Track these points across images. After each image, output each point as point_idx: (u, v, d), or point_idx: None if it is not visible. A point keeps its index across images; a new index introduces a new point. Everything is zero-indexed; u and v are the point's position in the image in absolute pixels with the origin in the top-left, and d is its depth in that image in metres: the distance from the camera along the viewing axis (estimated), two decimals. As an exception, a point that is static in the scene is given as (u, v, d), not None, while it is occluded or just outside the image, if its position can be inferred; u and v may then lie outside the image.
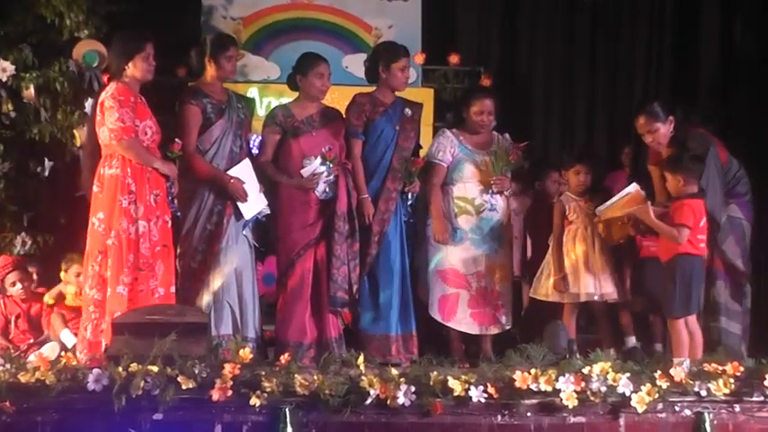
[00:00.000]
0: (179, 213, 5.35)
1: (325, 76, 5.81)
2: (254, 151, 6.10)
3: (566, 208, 5.95)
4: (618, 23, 8.20)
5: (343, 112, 5.96)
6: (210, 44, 5.72)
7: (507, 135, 6.05)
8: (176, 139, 5.34)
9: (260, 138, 6.14)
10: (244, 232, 5.67)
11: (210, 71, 5.66)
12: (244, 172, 5.60)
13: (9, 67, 6.05)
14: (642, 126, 5.62)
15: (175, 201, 5.26)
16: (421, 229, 5.99)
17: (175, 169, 5.26)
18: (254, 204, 5.65)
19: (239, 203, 5.56)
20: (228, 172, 5.55)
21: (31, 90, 6.09)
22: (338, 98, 6.02)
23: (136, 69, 5.14)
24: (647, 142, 5.64)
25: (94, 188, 5.11)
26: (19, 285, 5.90)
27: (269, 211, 5.75)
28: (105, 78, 5.24)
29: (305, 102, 5.86)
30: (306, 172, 5.68)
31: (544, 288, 5.96)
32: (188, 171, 5.50)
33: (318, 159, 5.68)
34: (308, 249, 5.72)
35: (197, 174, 5.53)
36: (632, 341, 5.80)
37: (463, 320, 5.84)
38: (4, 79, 6.07)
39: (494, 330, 5.87)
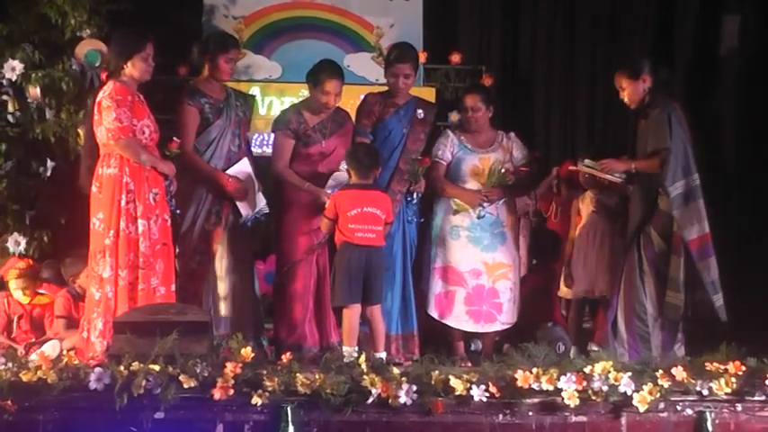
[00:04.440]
0: (178, 212, 5.35)
1: (332, 95, 5.66)
2: (256, 150, 6.09)
3: (580, 206, 5.98)
4: (618, 22, 8.20)
5: (345, 110, 5.95)
6: (212, 43, 5.71)
7: (513, 134, 6.05)
8: (174, 138, 5.34)
9: (267, 138, 6.11)
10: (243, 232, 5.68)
11: (208, 70, 5.65)
12: (242, 171, 5.59)
13: (18, 66, 6.07)
14: (617, 82, 5.59)
15: (173, 200, 5.25)
16: (425, 229, 5.99)
17: (174, 168, 5.26)
18: (253, 203, 5.65)
19: (238, 203, 5.56)
20: (228, 171, 5.55)
21: (37, 90, 6.10)
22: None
23: (134, 69, 5.12)
24: (622, 98, 5.60)
25: (93, 188, 5.10)
26: (20, 292, 5.90)
27: (267, 210, 5.75)
28: (104, 76, 5.22)
29: (315, 106, 5.83)
30: (331, 187, 5.64)
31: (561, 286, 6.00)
32: (186, 170, 5.51)
33: (336, 178, 5.64)
34: (311, 254, 5.72)
35: (195, 173, 5.53)
36: None
37: (459, 318, 5.84)
38: (14, 78, 6.09)
39: (491, 328, 5.88)
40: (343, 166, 5.65)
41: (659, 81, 5.49)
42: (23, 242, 6.16)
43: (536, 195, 6.92)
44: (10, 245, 6.15)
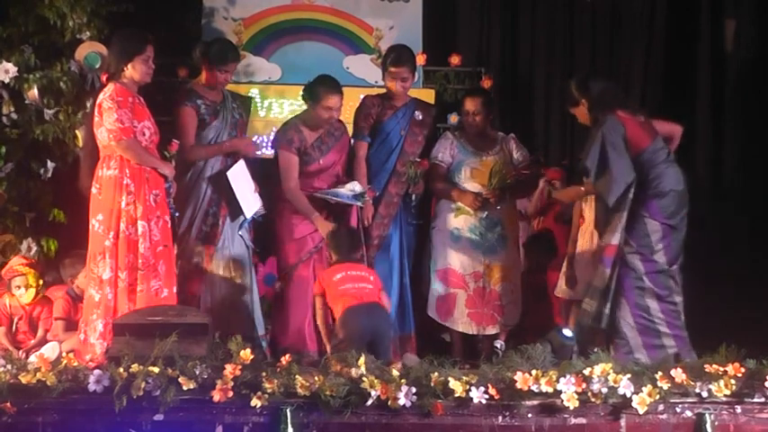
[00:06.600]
0: (177, 214, 5.35)
1: (333, 110, 5.68)
2: (257, 151, 6.05)
3: (583, 207, 5.98)
4: (617, 23, 8.20)
5: (340, 120, 5.92)
6: (212, 54, 5.66)
7: (513, 136, 6.06)
8: (174, 140, 5.34)
9: (266, 140, 6.04)
10: (240, 233, 5.68)
11: (205, 76, 5.66)
12: (240, 172, 5.60)
13: (12, 69, 6.07)
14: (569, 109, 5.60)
15: (172, 201, 5.25)
16: (425, 231, 5.99)
17: (173, 170, 5.26)
18: (252, 204, 5.65)
19: (240, 201, 5.53)
20: (227, 173, 5.55)
21: (35, 91, 6.10)
22: (338, 99, 6.01)
23: (135, 71, 5.12)
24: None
25: (93, 189, 5.10)
26: (23, 290, 5.90)
27: (264, 211, 5.75)
28: (104, 78, 5.23)
29: (313, 121, 5.79)
30: (340, 193, 5.65)
31: (560, 285, 5.99)
32: (185, 172, 5.50)
33: (353, 190, 5.65)
34: (309, 258, 5.71)
35: (203, 157, 5.52)
36: None
37: (460, 320, 5.85)
38: (7, 81, 6.09)
39: (492, 331, 5.88)
40: (354, 185, 5.63)
41: (592, 99, 5.42)
42: (35, 248, 6.17)
43: (533, 206, 6.91)
44: (23, 248, 6.16)
